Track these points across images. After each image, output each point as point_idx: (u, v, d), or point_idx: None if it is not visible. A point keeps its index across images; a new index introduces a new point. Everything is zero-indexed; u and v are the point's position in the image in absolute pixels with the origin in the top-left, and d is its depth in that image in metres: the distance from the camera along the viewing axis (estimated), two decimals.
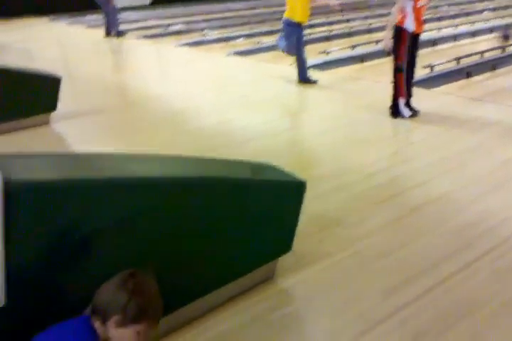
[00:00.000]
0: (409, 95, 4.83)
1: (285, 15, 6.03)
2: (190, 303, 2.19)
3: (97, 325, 1.54)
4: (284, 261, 2.54)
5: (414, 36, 4.61)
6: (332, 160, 3.98)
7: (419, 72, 5.34)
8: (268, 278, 2.50)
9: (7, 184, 1.55)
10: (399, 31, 4.56)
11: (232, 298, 2.34)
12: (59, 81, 4.97)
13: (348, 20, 11.73)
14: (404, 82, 4.73)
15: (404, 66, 4.66)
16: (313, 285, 2.48)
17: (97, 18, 12.10)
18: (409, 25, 4.50)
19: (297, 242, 2.52)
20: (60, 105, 4.98)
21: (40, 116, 4.88)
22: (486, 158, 3.89)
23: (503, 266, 2.55)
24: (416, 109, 4.88)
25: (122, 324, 1.51)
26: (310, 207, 2.68)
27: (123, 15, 13.29)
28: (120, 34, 10.47)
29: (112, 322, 1.51)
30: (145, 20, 13.46)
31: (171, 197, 1.98)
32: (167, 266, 2.04)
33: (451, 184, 3.47)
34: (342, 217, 3.06)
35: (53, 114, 5.00)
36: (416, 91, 5.02)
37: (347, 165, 3.84)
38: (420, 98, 5.10)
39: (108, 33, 10.40)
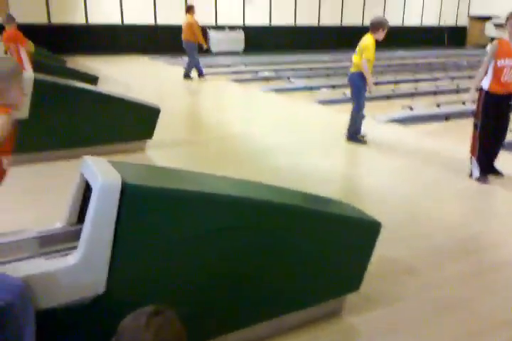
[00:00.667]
0: (487, 157, 4.76)
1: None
2: (254, 326, 2.28)
3: None
4: (353, 299, 2.58)
5: (498, 97, 4.56)
6: (408, 209, 3.99)
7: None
8: (335, 314, 2.55)
9: (124, 188, 1.80)
10: (479, 89, 4.63)
11: (296, 329, 2.41)
12: (158, 111, 5.43)
13: (435, 79, 11.80)
14: (477, 140, 4.66)
15: (480, 124, 4.62)
16: (378, 326, 2.49)
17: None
18: (485, 83, 4.53)
19: (367, 283, 2.57)
20: (155, 134, 5.42)
21: (137, 143, 5.33)
22: None
23: None
24: (499, 171, 4.80)
25: None
26: (385, 250, 2.73)
27: (217, 60, 14.27)
28: (200, 76, 11.13)
29: None
30: (236, 65, 14.31)
31: (256, 218, 2.14)
32: (237, 285, 2.17)
33: None
34: (416, 265, 3.05)
35: (148, 142, 5.44)
36: (503, 154, 4.96)
37: (423, 216, 3.84)
38: (506, 161, 5.01)
39: (186, 76, 11.08)
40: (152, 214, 1.90)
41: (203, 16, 17.45)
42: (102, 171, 1.87)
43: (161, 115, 5.49)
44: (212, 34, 17.29)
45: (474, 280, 2.92)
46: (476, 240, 3.49)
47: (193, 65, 11.06)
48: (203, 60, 11.75)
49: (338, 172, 5.01)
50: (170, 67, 13.60)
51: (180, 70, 11.77)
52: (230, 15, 18.02)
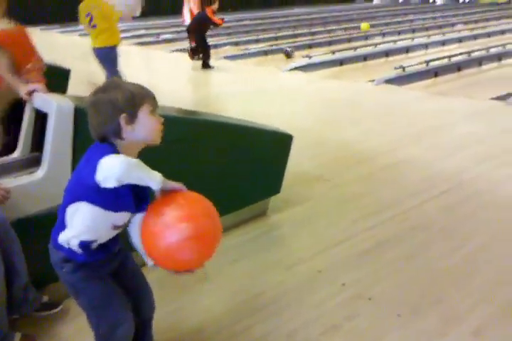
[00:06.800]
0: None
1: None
2: None
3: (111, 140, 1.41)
4: (275, 202, 3.14)
5: None
6: (312, 134, 4.61)
7: None
8: (261, 214, 3.09)
9: (75, 110, 2.14)
10: None
11: (231, 228, 2.91)
12: (68, 72, 5.52)
13: (329, 31, 12.51)
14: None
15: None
16: (296, 219, 3.08)
17: None
18: None
19: (285, 189, 3.12)
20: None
21: None
22: None
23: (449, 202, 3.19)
24: None
25: (130, 119, 1.39)
26: (296, 164, 3.28)
27: None
28: None
29: (123, 123, 1.39)
30: (136, 29, 14.13)
31: (193, 132, 2.56)
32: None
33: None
34: (322, 173, 3.71)
35: None
36: None
37: (324, 138, 4.48)
38: None
39: None
40: None
41: None
42: (54, 98, 2.19)
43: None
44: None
45: (368, 180, 3.61)
46: (367, 151, 4.19)
47: None
48: None
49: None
50: (65, 35, 13.14)
51: (78, 38, 11.45)
52: None
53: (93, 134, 1.45)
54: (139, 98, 1.42)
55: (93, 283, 1.55)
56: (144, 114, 1.42)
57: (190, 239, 1.33)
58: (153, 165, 2.35)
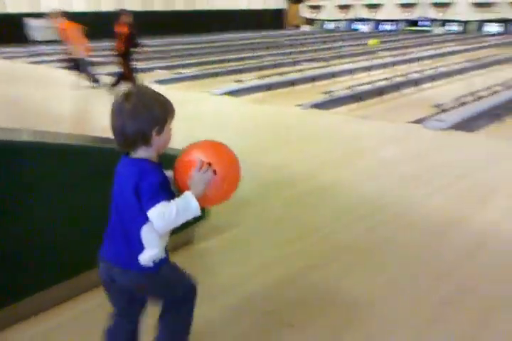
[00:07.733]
0: None
1: None
2: None
3: (141, 150, 1.59)
4: (202, 230, 3.11)
5: None
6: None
7: None
8: (189, 242, 3.05)
9: None
10: None
11: None
12: None
13: (259, 57, 12.80)
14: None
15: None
16: (223, 246, 3.07)
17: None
18: None
19: (213, 216, 3.10)
20: None
21: None
22: None
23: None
24: None
25: (160, 131, 1.57)
26: None
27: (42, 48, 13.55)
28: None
29: (154, 134, 1.56)
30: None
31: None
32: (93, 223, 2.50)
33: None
34: (249, 198, 3.71)
35: None
36: None
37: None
38: None
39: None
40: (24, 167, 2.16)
41: (23, 4, 16.37)
42: None
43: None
44: (34, 22, 16.34)
45: (294, 204, 3.67)
46: (293, 175, 4.28)
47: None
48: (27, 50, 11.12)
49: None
50: None
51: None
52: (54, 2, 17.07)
53: (120, 139, 1.57)
54: (169, 112, 1.61)
55: (176, 270, 1.83)
56: (167, 126, 1.62)
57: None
58: (64, 201, 2.30)
